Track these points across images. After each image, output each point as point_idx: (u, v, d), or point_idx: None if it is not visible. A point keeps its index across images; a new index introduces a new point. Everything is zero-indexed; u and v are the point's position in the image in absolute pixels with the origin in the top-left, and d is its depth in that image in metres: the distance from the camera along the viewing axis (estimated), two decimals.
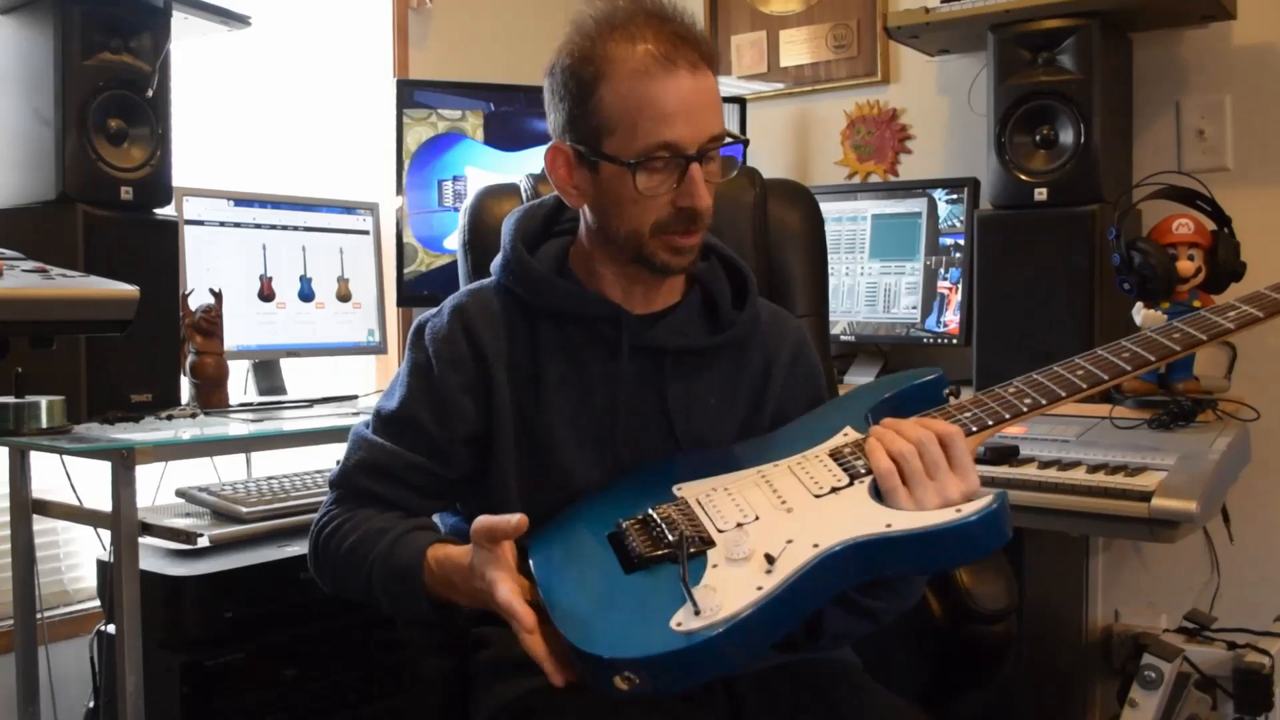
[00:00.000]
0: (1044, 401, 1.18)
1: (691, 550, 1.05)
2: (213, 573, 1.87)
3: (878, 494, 1.08)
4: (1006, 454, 1.88)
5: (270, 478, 2.02)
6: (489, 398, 1.26)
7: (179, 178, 2.09)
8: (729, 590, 0.99)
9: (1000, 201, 2.21)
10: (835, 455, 1.15)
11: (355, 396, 2.43)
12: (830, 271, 2.16)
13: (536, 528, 1.13)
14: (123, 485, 1.68)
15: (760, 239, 1.67)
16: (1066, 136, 2.13)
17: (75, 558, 2.29)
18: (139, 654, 1.69)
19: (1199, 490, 1.68)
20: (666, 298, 1.32)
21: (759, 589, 0.99)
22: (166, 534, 1.80)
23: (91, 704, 1.98)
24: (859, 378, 2.51)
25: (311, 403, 2.27)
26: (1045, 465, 1.84)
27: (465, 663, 1.34)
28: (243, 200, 2.30)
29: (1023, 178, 2.17)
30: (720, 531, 1.07)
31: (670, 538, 1.07)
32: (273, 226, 2.34)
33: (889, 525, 1.02)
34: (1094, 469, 1.80)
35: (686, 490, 1.16)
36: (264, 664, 1.91)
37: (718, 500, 1.12)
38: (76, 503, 1.95)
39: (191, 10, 2.06)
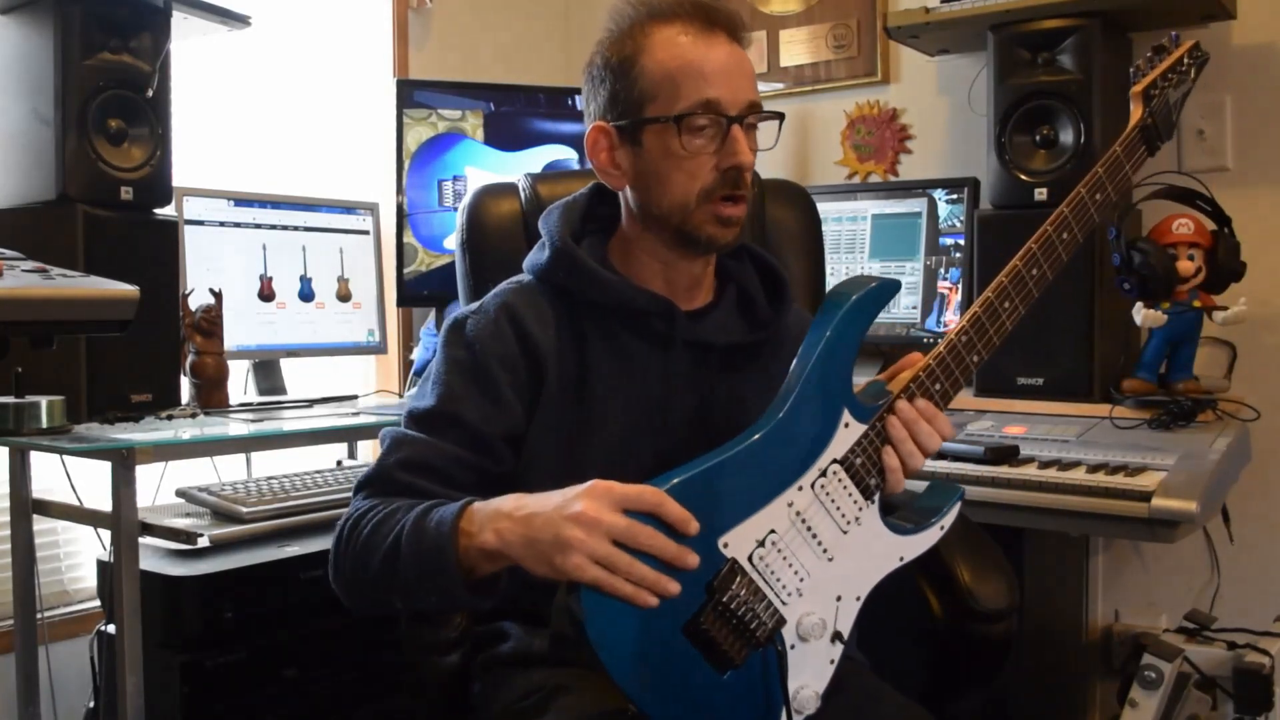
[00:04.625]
0: (987, 355, 1.28)
1: (769, 635, 1.11)
2: (213, 573, 1.86)
3: (881, 504, 1.17)
4: (1006, 454, 1.88)
5: (270, 478, 2.02)
6: (537, 396, 1.25)
7: (179, 178, 2.10)
8: (812, 676, 1.13)
9: (1000, 201, 2.21)
10: (848, 468, 1.15)
11: (355, 396, 2.43)
12: (830, 271, 2.16)
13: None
14: (123, 485, 1.69)
15: (758, 239, 1.67)
16: (1066, 136, 2.13)
17: (75, 558, 2.30)
18: (139, 654, 1.70)
19: (1199, 490, 1.68)
20: (705, 295, 1.33)
21: (832, 662, 1.15)
22: (166, 534, 1.81)
23: (91, 704, 1.98)
24: (859, 378, 2.50)
25: (311, 403, 2.27)
26: (1045, 465, 1.85)
27: (466, 663, 1.34)
28: (243, 200, 2.31)
29: (1023, 178, 2.17)
30: (784, 604, 1.12)
31: (755, 634, 1.10)
32: (273, 226, 2.34)
33: (902, 558, 1.19)
34: (1094, 469, 1.80)
35: (734, 546, 1.10)
36: (264, 664, 1.91)
37: (770, 561, 1.11)
38: (76, 503, 1.95)
39: (191, 10, 2.06)
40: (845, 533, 1.14)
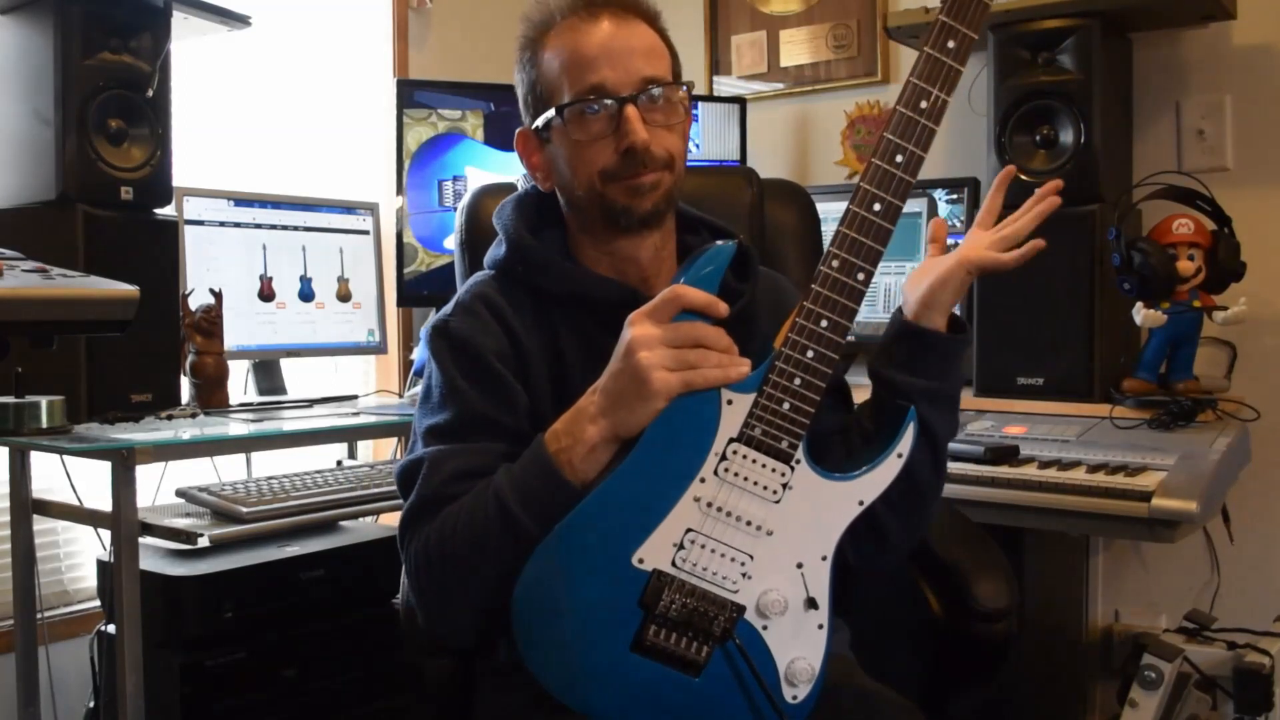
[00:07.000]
0: (873, 266, 1.20)
1: (728, 626, 1.09)
2: (213, 573, 1.87)
3: (813, 458, 1.11)
4: (1006, 454, 1.89)
5: (270, 478, 2.01)
6: (528, 382, 1.23)
7: (179, 178, 2.10)
8: (802, 647, 1.11)
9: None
10: (750, 442, 1.11)
11: (355, 396, 2.43)
12: None
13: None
14: (123, 485, 1.68)
15: (757, 239, 1.67)
16: (1066, 136, 2.13)
17: (75, 558, 2.30)
18: (139, 654, 1.69)
19: (1199, 490, 1.68)
20: (666, 279, 1.28)
21: (820, 626, 1.12)
22: (166, 534, 1.80)
23: (91, 704, 1.98)
24: (859, 378, 2.50)
25: (311, 403, 2.27)
26: (1045, 465, 1.85)
27: (470, 663, 1.33)
28: (243, 200, 2.30)
29: (1023, 178, 2.16)
30: (734, 593, 1.10)
31: (714, 630, 1.09)
32: (273, 226, 2.34)
33: (861, 502, 1.13)
34: (1094, 469, 1.80)
35: (650, 558, 1.09)
36: (264, 664, 1.91)
37: (697, 559, 1.10)
38: (76, 503, 1.95)
39: (191, 10, 2.06)
40: (778, 503, 1.11)
